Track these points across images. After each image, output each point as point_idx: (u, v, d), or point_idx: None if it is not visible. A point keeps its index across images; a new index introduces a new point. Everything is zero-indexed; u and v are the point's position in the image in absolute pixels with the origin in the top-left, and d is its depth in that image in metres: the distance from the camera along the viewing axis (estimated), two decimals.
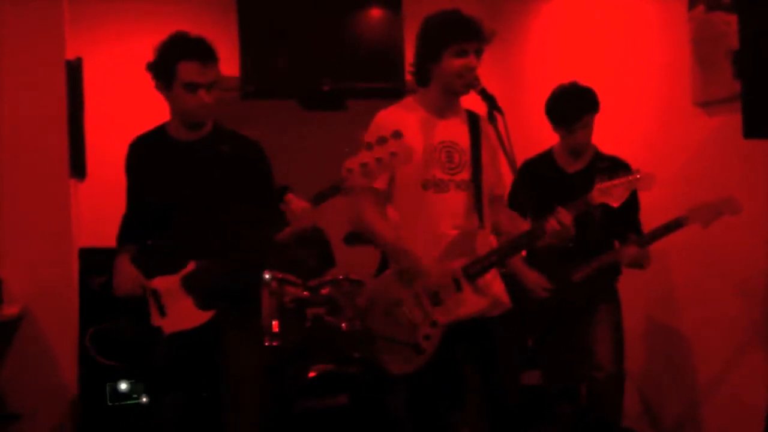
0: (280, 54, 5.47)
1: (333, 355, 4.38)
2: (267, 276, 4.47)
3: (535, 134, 4.06)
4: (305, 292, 4.49)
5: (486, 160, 3.06)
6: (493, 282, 3.04)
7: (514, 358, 3.12)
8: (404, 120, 3.01)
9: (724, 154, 3.89)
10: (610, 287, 3.81)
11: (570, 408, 3.93)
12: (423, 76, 3.06)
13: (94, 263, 4.48)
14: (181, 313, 2.94)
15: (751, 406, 3.78)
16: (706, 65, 3.94)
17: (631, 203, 3.64)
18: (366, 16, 5.63)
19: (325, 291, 4.51)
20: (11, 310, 4.08)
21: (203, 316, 2.92)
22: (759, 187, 3.69)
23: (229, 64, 5.37)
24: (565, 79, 3.84)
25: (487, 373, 3.02)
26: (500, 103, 2.95)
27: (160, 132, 3.10)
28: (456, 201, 2.99)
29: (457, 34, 2.93)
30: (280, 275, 4.52)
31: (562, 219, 2.83)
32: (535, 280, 3.69)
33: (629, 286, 3.89)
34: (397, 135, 2.65)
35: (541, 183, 3.68)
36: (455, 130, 3.05)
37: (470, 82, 2.95)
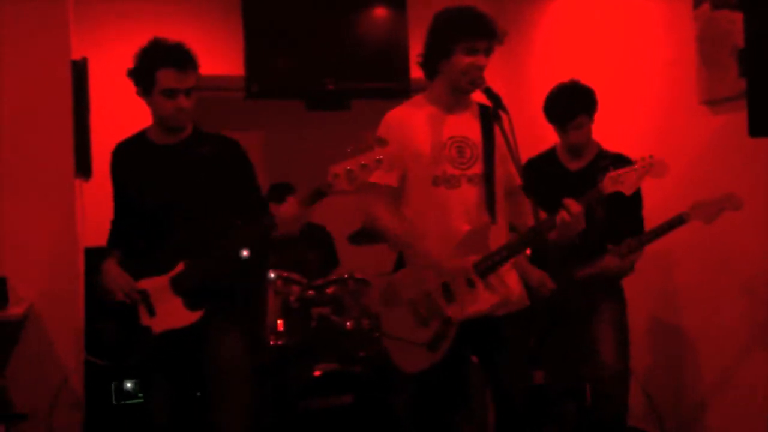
0: (284, 54, 5.48)
1: (338, 355, 4.37)
2: (272, 275, 4.47)
3: (540, 133, 4.06)
4: (310, 291, 4.49)
5: (500, 153, 3.03)
6: (508, 278, 3.03)
7: (524, 358, 3.10)
8: (413, 118, 3.03)
9: (729, 152, 3.89)
10: (615, 286, 3.81)
11: (574, 407, 3.92)
12: (431, 70, 3.07)
13: (100, 263, 4.48)
14: (170, 312, 2.98)
15: (756, 405, 3.78)
16: (712, 63, 3.93)
17: (634, 200, 3.64)
18: (370, 16, 5.63)
19: (330, 290, 4.50)
20: (17, 310, 4.08)
21: (192, 316, 2.97)
22: (764, 185, 3.69)
23: (234, 64, 5.40)
24: (570, 77, 3.84)
25: (495, 372, 3.01)
26: (505, 101, 2.95)
27: (140, 137, 3.17)
28: (468, 196, 2.99)
29: (469, 31, 2.93)
30: (285, 274, 4.52)
31: (572, 210, 2.82)
32: (538, 278, 3.69)
33: (634, 285, 3.88)
34: (382, 142, 2.73)
35: (544, 181, 3.67)
36: (466, 125, 3.05)
37: (475, 80, 2.95)
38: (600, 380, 3.71)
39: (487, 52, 2.97)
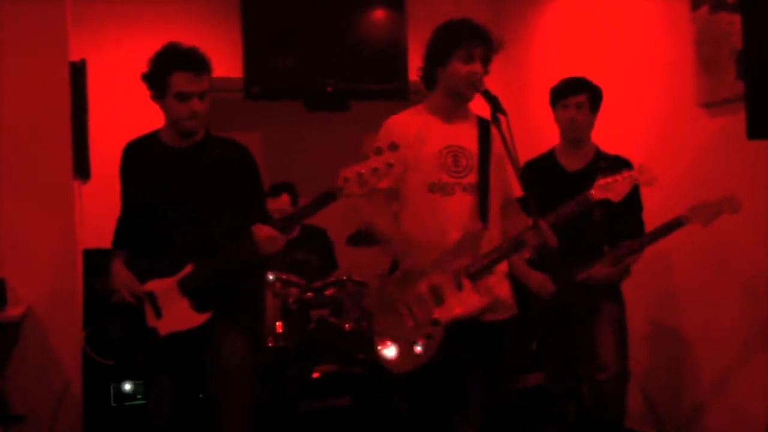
0: (284, 55, 5.48)
1: (337, 356, 4.38)
2: (271, 277, 4.47)
3: (538, 135, 4.06)
4: (309, 294, 4.50)
5: (496, 163, 3.08)
6: (498, 284, 3.06)
7: (514, 364, 3.11)
8: (412, 125, 3.07)
9: (727, 154, 3.89)
10: (614, 287, 3.81)
11: (573, 408, 3.92)
12: (430, 80, 3.12)
13: (98, 264, 4.47)
14: (177, 314, 2.98)
15: (754, 407, 3.79)
16: (710, 66, 3.94)
17: (634, 203, 3.65)
18: (369, 17, 5.63)
19: (329, 292, 4.51)
20: (15, 311, 4.08)
21: (199, 318, 2.97)
22: (762, 187, 3.69)
23: (233, 66, 5.39)
24: None
25: (486, 376, 3.02)
26: (504, 104, 2.96)
27: (152, 138, 3.16)
28: (462, 204, 3.02)
29: (464, 38, 2.99)
30: (284, 276, 4.53)
31: (539, 231, 2.86)
32: (538, 281, 3.69)
33: (633, 287, 3.88)
34: (394, 147, 2.73)
35: (543, 183, 3.67)
36: (463, 134, 3.09)
37: (474, 83, 2.97)
38: (599, 381, 3.71)
39: (484, 61, 3.02)
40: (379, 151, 2.73)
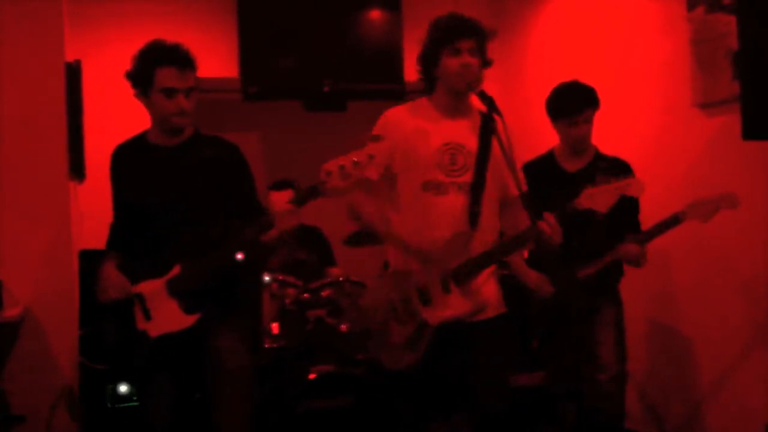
0: (281, 55, 5.49)
1: (334, 357, 4.37)
2: (267, 278, 4.47)
3: (536, 135, 4.06)
4: (306, 294, 4.49)
5: (497, 162, 3.04)
6: (485, 285, 3.03)
7: (503, 365, 3.10)
8: (411, 120, 3.05)
9: (723, 155, 3.89)
10: (613, 288, 3.81)
11: (573, 409, 3.92)
12: (429, 82, 3.10)
13: (95, 265, 4.47)
14: (166, 316, 2.96)
15: (754, 406, 3.79)
16: (706, 66, 3.94)
17: (631, 205, 3.64)
18: (366, 18, 5.64)
19: (325, 293, 4.50)
20: (12, 312, 4.08)
21: (188, 320, 2.95)
22: (759, 187, 3.69)
23: (231, 66, 5.40)
24: (566, 80, 3.84)
25: (473, 377, 3.02)
26: (501, 104, 2.95)
27: (140, 139, 3.14)
28: (455, 204, 2.99)
29: (447, 34, 2.98)
30: (281, 277, 4.52)
31: (545, 226, 2.84)
32: (537, 281, 3.68)
33: (632, 287, 3.88)
34: (376, 138, 2.74)
35: (542, 184, 3.67)
36: (463, 132, 3.06)
37: (469, 82, 2.96)
38: (599, 381, 3.72)
39: (473, 52, 2.98)
40: (362, 144, 2.71)
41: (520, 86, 5.76)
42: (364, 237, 4.42)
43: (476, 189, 3.00)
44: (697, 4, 3.97)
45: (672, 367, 4.39)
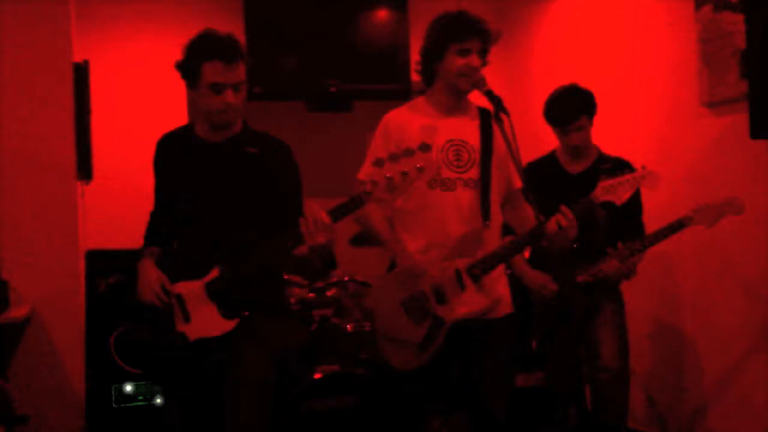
0: (287, 55, 5.48)
1: (339, 357, 4.37)
2: None
3: (542, 135, 4.05)
4: (311, 294, 4.49)
5: (500, 156, 3.05)
6: (497, 282, 3.05)
7: (509, 367, 3.11)
8: (411, 120, 3.05)
9: (731, 154, 3.89)
10: (614, 288, 3.81)
11: (575, 409, 3.92)
12: (428, 75, 3.10)
13: (101, 265, 4.49)
14: (205, 320, 2.86)
15: (757, 406, 3.78)
16: (713, 65, 3.93)
17: (634, 204, 3.64)
18: (372, 18, 5.63)
19: (330, 292, 4.50)
20: (19, 312, 4.08)
21: (227, 325, 2.84)
22: (765, 186, 3.68)
23: None
24: (572, 80, 3.84)
25: (476, 376, 3.01)
26: (507, 103, 2.96)
27: (187, 130, 3.05)
28: (463, 199, 3.00)
29: (458, 33, 2.97)
30: (286, 277, 4.52)
31: (563, 219, 2.82)
32: (539, 281, 3.69)
33: (635, 287, 3.88)
34: (425, 148, 2.58)
35: (544, 184, 3.67)
36: (464, 128, 3.06)
37: (475, 82, 2.97)
38: (600, 382, 3.71)
39: (481, 53, 2.99)
40: (409, 153, 2.56)
41: (525, 86, 5.75)
42: (368, 238, 4.42)
43: (485, 184, 3.01)
44: (704, 3, 3.96)
45: (675, 367, 4.38)
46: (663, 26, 4.38)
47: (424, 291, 2.94)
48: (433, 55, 3.03)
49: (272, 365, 2.93)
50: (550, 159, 3.89)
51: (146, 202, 3.21)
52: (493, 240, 3.03)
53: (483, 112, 3.10)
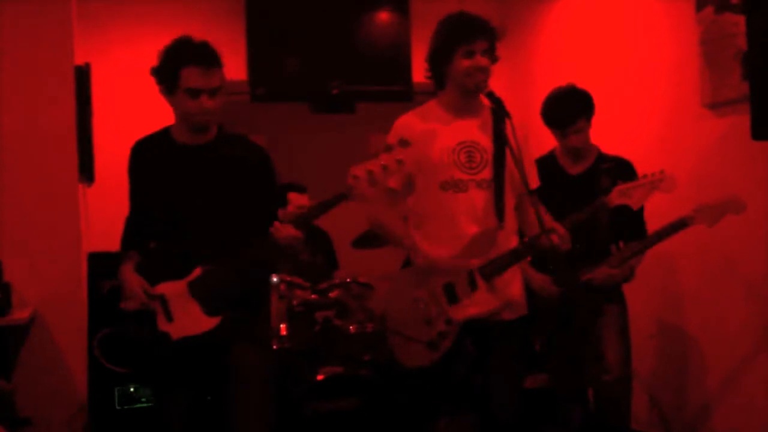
0: (289, 57, 5.49)
1: (342, 358, 4.37)
2: (275, 279, 4.47)
3: (545, 136, 4.04)
4: (314, 296, 4.49)
5: (510, 159, 3.03)
6: (511, 284, 3.05)
7: (519, 369, 3.11)
8: (423, 123, 3.05)
9: (732, 155, 3.88)
10: (617, 289, 3.80)
11: (578, 411, 3.91)
12: (439, 79, 3.10)
13: (103, 267, 4.49)
14: (188, 318, 2.92)
15: (760, 407, 3.77)
16: (715, 66, 3.92)
17: None
18: (374, 19, 5.64)
19: (333, 294, 4.50)
20: (21, 315, 4.10)
21: (210, 322, 2.91)
22: (767, 188, 3.67)
23: (238, 68, 5.40)
24: (574, 80, 3.84)
25: (486, 377, 3.02)
26: (509, 104, 2.96)
27: (164, 135, 3.09)
28: (476, 200, 3.00)
29: (462, 36, 2.97)
30: (289, 278, 4.52)
31: (555, 237, 2.86)
32: (541, 282, 3.69)
33: (638, 288, 3.87)
34: (404, 143, 2.67)
35: (544, 185, 3.68)
36: (476, 130, 3.07)
37: (479, 84, 2.97)
38: (604, 383, 3.71)
39: (487, 53, 2.99)
40: (389, 149, 2.66)
41: (528, 86, 5.75)
42: (372, 239, 4.43)
43: (498, 184, 3.01)
44: (705, 4, 3.96)
45: (679, 368, 4.37)
46: (664, 27, 4.38)
47: (437, 290, 2.94)
48: (441, 58, 3.03)
49: (268, 362, 3.06)
50: (550, 159, 3.88)
51: None
52: (508, 240, 3.03)
53: (495, 113, 3.09)
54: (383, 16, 5.64)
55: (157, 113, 3.17)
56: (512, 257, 2.97)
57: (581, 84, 3.81)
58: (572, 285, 3.65)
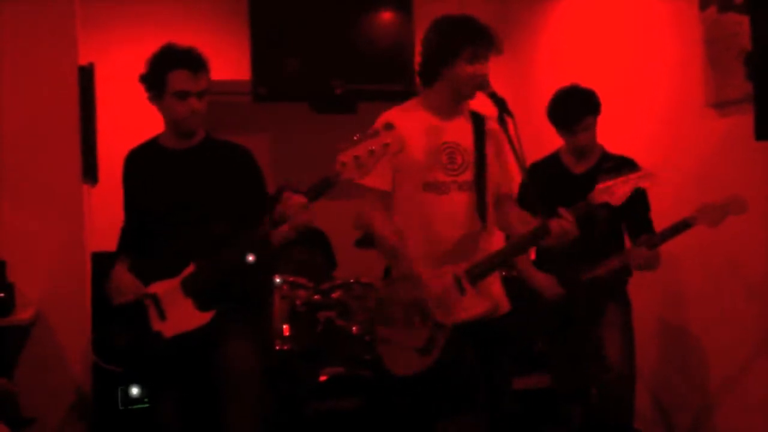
0: (291, 57, 5.49)
1: (344, 359, 4.37)
2: (278, 279, 4.47)
3: (546, 135, 4.05)
4: (316, 296, 4.49)
5: (491, 159, 3.05)
6: (493, 284, 3.05)
7: (511, 365, 3.11)
8: (407, 122, 3.01)
9: (736, 155, 3.88)
10: (620, 288, 3.80)
11: (580, 410, 3.92)
12: (430, 77, 3.07)
13: (107, 268, 4.49)
14: (181, 315, 2.96)
15: (764, 407, 3.77)
16: (718, 66, 3.92)
17: (641, 202, 3.65)
18: (377, 19, 5.64)
19: (335, 294, 4.50)
20: (24, 315, 4.10)
21: (204, 318, 2.95)
22: None
23: (241, 68, 5.41)
24: (576, 80, 3.84)
25: (488, 375, 3.02)
26: (510, 104, 2.94)
27: (152, 143, 3.18)
28: (457, 203, 2.99)
29: (474, 39, 2.95)
30: (291, 278, 4.52)
31: (564, 221, 2.82)
32: (544, 282, 3.69)
33: (641, 287, 3.87)
34: (389, 126, 2.68)
35: (548, 184, 3.67)
36: (458, 131, 3.06)
37: (480, 85, 2.96)
38: (607, 382, 3.71)
39: (487, 62, 2.99)
40: (375, 133, 2.67)
41: (530, 86, 5.75)
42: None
43: (480, 187, 3.00)
44: (709, 3, 3.95)
45: (681, 368, 4.37)
46: (667, 27, 4.38)
47: (424, 296, 2.92)
48: (442, 57, 2.99)
49: (259, 356, 3.08)
50: (554, 159, 3.89)
51: None
52: (490, 243, 3.03)
53: (475, 116, 3.10)
54: (385, 16, 5.64)
55: (160, 113, 3.19)
56: (499, 258, 2.96)
57: (583, 84, 3.81)
58: (573, 284, 3.66)
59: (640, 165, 3.22)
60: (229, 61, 5.32)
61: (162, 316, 3.00)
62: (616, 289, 3.77)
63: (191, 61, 3.00)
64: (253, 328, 3.18)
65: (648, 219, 3.73)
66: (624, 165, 3.39)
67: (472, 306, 2.90)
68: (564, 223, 2.82)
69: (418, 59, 3.12)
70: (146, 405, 4.35)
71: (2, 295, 4.04)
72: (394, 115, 3.06)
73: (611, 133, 3.90)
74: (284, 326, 4.40)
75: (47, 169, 4.38)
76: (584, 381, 3.91)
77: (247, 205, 3.04)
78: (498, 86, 2.99)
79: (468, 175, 3.01)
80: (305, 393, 4.20)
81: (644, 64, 4.57)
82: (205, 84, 3.02)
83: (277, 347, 4.37)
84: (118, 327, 3.09)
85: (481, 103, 3.10)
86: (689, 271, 4.27)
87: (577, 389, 3.93)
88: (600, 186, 2.91)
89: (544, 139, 4.10)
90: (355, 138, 2.71)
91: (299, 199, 2.79)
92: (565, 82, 3.86)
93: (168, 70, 2.98)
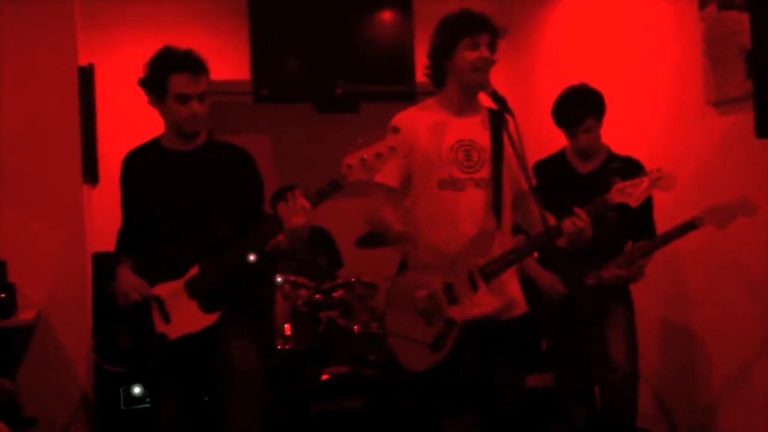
0: (292, 57, 5.49)
1: (346, 358, 4.38)
2: (280, 279, 4.47)
3: (548, 135, 4.05)
4: (318, 295, 4.50)
5: (509, 157, 3.04)
6: (509, 282, 3.04)
7: (522, 366, 3.10)
8: (421, 121, 3.04)
9: (736, 153, 3.87)
10: (624, 289, 3.79)
11: (583, 410, 3.91)
12: (439, 76, 3.09)
13: (107, 269, 4.49)
14: (185, 317, 2.96)
15: (767, 407, 3.76)
16: (719, 65, 3.91)
17: (645, 204, 3.63)
18: (377, 19, 5.64)
19: (337, 294, 4.51)
20: (26, 316, 4.10)
21: (208, 319, 2.95)
22: None
23: (242, 69, 5.41)
24: (578, 80, 3.84)
25: (489, 376, 3.01)
26: (512, 104, 2.95)
27: (153, 144, 3.17)
28: (473, 200, 2.99)
29: (467, 27, 2.97)
30: (293, 278, 4.53)
31: (578, 220, 2.82)
32: (549, 281, 3.69)
33: (644, 288, 3.86)
34: (395, 130, 2.74)
35: (553, 184, 3.66)
36: (474, 128, 3.06)
37: (481, 83, 2.96)
38: (610, 382, 3.71)
39: (490, 47, 2.99)
40: (380, 137, 2.71)
41: (532, 85, 5.75)
42: (376, 238, 4.43)
43: (496, 184, 3.00)
44: (709, 2, 3.95)
45: (685, 368, 4.37)
46: (667, 26, 4.37)
47: (437, 291, 2.92)
48: (443, 52, 3.01)
49: (260, 355, 3.09)
50: (560, 158, 3.88)
51: None
52: (505, 240, 3.02)
53: (493, 113, 3.09)
54: (386, 16, 5.64)
55: (161, 116, 3.19)
56: (514, 256, 2.95)
57: (585, 83, 3.81)
58: (577, 284, 3.65)
59: (646, 166, 3.21)
60: (230, 62, 5.33)
61: (166, 318, 2.99)
62: (620, 289, 3.76)
63: (191, 63, 3.00)
64: (254, 327, 3.18)
65: (651, 220, 3.72)
66: (631, 166, 3.39)
67: (483, 303, 2.90)
68: (578, 222, 2.82)
69: (419, 59, 3.13)
70: (148, 405, 4.35)
71: (3, 296, 4.05)
72: (408, 114, 3.08)
73: (612, 132, 3.89)
74: (286, 326, 4.41)
75: (48, 170, 4.38)
76: (587, 381, 3.90)
77: (246, 207, 3.06)
78: (499, 85, 3.00)
79: (484, 173, 3.01)
80: (307, 392, 4.20)
81: (644, 62, 4.56)
82: (205, 86, 3.03)
83: (279, 347, 4.38)
84: (122, 328, 3.08)
85: (487, 105, 3.11)
86: (691, 271, 4.26)
87: (579, 389, 3.93)
88: (618, 186, 2.91)
89: (545, 138, 4.10)
90: (360, 141, 2.72)
91: (301, 202, 2.80)
92: (565, 81, 3.86)
93: (168, 74, 2.98)
